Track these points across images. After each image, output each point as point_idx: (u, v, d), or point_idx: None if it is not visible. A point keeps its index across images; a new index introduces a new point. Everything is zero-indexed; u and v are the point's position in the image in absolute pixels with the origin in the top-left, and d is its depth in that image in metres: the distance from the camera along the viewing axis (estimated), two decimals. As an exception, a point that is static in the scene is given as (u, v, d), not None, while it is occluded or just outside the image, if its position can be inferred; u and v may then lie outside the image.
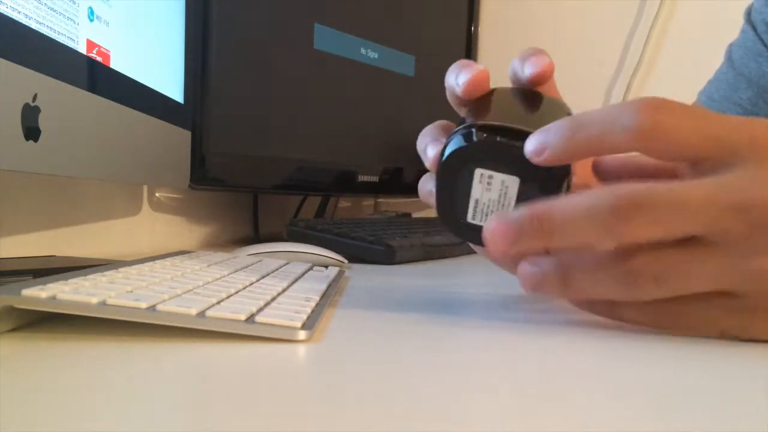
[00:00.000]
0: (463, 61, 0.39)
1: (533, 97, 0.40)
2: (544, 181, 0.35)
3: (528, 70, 0.39)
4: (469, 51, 1.31)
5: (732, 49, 0.69)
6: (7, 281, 0.40)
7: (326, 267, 0.57)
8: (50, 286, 0.31)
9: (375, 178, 1.05)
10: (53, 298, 0.30)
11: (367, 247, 0.71)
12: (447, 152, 0.36)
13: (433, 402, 0.22)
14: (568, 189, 0.35)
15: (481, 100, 0.39)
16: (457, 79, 0.39)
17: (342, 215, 1.28)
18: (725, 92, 0.68)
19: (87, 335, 0.31)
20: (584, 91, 1.48)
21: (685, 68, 0.71)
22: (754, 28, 0.66)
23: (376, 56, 1.05)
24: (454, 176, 0.36)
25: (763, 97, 0.65)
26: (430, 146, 0.38)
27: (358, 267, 0.66)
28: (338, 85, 0.99)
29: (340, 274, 0.54)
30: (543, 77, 0.39)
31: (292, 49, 0.91)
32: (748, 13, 0.68)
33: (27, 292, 0.30)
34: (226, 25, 0.81)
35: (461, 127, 0.36)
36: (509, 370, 0.27)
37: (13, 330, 0.31)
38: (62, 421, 0.19)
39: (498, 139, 0.35)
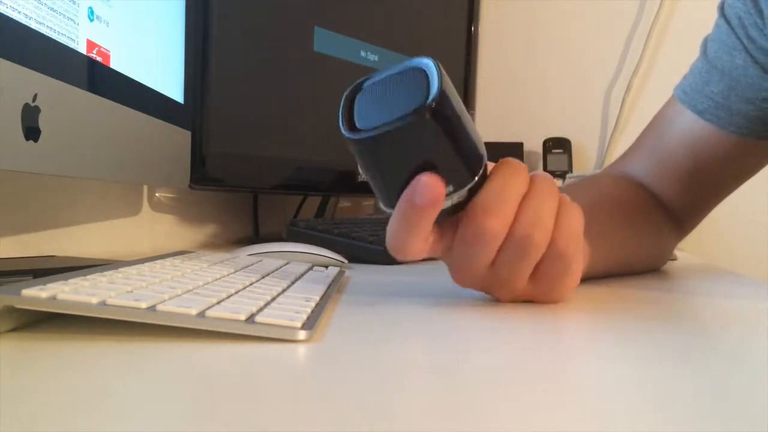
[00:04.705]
0: None
1: None
2: None
3: None
4: (469, 51, 1.31)
5: (707, 43, 0.70)
6: (7, 281, 0.40)
7: (326, 267, 0.57)
8: (50, 286, 0.31)
9: (375, 179, 1.05)
10: (53, 298, 0.30)
11: (367, 247, 0.71)
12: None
13: (433, 402, 0.22)
14: None
15: None
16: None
17: (342, 215, 1.28)
18: (697, 85, 0.68)
19: (87, 335, 0.31)
20: (584, 91, 1.48)
21: (685, 68, 0.71)
22: (728, 22, 0.67)
23: (376, 58, 1.04)
24: None
25: (735, 90, 0.66)
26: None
27: (358, 267, 0.66)
28: (338, 87, 0.98)
29: (341, 274, 0.54)
30: None
31: (292, 53, 0.91)
32: (722, 8, 0.69)
33: (27, 292, 0.30)
34: (226, 26, 0.81)
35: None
36: (510, 369, 0.27)
37: (13, 330, 0.31)
38: (62, 421, 0.19)
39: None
